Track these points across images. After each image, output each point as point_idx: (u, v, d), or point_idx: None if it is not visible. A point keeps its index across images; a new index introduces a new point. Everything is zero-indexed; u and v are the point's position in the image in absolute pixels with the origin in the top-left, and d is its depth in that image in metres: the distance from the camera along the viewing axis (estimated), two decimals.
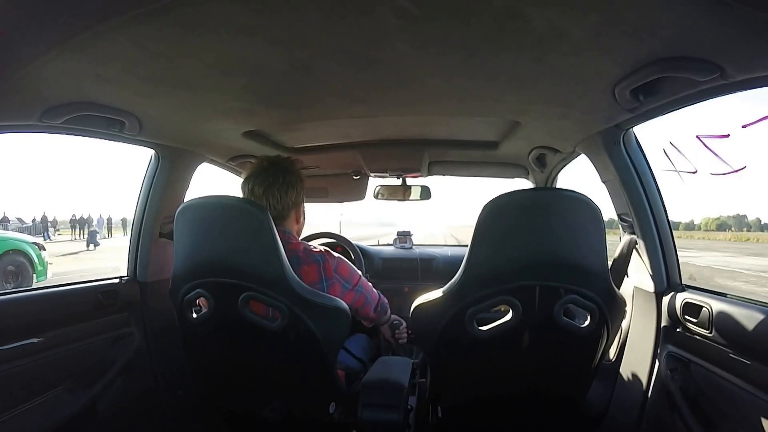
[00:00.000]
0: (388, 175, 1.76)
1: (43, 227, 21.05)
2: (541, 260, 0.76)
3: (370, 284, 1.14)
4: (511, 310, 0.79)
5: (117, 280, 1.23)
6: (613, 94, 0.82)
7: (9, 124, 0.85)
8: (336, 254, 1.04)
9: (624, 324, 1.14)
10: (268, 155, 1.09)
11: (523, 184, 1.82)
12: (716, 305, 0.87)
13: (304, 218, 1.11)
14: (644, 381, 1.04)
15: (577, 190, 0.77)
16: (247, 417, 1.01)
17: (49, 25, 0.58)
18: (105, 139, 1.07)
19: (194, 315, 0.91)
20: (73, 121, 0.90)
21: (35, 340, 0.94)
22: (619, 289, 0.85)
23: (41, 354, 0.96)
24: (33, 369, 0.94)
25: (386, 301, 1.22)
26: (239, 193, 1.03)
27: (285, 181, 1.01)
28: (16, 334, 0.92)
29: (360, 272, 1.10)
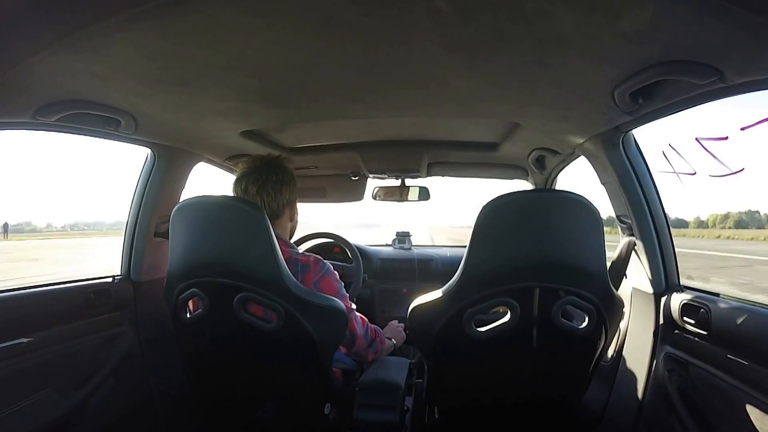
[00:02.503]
0: (386, 176, 1.75)
1: None
2: (539, 261, 0.76)
3: (359, 316, 1.04)
4: (509, 312, 0.79)
5: (110, 279, 1.21)
6: (613, 97, 0.82)
7: (2, 122, 0.84)
8: (328, 270, 0.98)
9: (622, 325, 1.15)
10: (259, 154, 1.08)
11: (522, 185, 1.82)
12: (714, 306, 0.88)
13: (297, 216, 1.10)
14: (642, 382, 1.05)
15: (577, 192, 0.77)
16: (241, 418, 1.00)
17: (45, 22, 0.57)
18: (100, 137, 1.05)
19: (188, 315, 0.90)
20: (68, 119, 0.88)
21: (24, 340, 0.92)
22: (617, 290, 0.85)
23: (30, 354, 0.94)
24: (22, 369, 0.92)
25: (381, 336, 1.10)
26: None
27: (278, 179, 1.00)
28: (5, 334, 0.90)
29: (354, 308, 1.01)
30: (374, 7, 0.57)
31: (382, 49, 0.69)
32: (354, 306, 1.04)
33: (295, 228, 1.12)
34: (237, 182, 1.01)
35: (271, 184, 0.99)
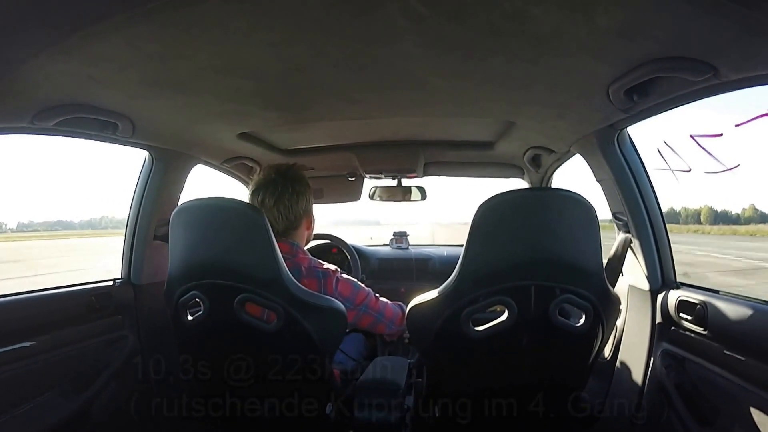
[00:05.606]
0: (383, 176, 1.76)
1: None
2: (536, 259, 0.76)
3: (384, 300, 1.10)
4: (506, 310, 0.79)
5: (111, 283, 1.21)
6: (608, 95, 0.82)
7: (1, 127, 0.84)
8: (343, 274, 1.02)
9: (619, 322, 1.15)
10: (273, 164, 1.07)
11: (519, 184, 1.83)
12: (710, 302, 0.88)
13: (313, 223, 1.10)
14: (640, 379, 1.05)
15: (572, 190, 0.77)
16: (242, 419, 1.01)
17: (41, 27, 0.58)
18: (98, 141, 1.06)
19: (189, 317, 0.91)
20: (66, 123, 0.89)
21: (27, 343, 0.93)
22: (614, 287, 0.85)
23: (33, 358, 0.94)
24: (25, 373, 0.93)
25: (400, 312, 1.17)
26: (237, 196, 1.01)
27: (294, 190, 1.00)
28: (8, 338, 0.90)
29: (369, 290, 1.07)
30: (371, 7, 0.57)
31: (375, 50, 0.69)
32: (372, 293, 1.07)
33: (312, 235, 1.12)
34: (253, 194, 1.01)
35: (287, 195, 0.99)
